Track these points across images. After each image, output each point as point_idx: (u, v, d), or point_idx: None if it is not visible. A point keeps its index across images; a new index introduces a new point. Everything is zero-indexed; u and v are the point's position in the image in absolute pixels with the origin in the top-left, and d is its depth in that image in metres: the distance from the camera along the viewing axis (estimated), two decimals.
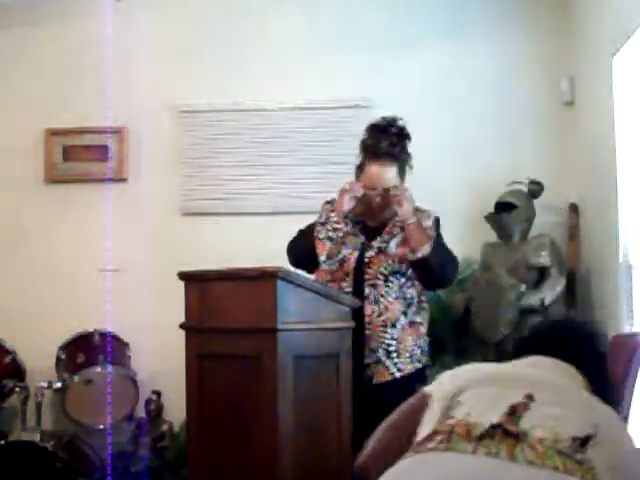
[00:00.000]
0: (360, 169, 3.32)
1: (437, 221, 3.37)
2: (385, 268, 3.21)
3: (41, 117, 5.06)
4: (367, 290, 3.20)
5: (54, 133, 5.06)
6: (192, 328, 2.90)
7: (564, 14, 4.78)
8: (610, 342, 3.42)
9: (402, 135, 3.28)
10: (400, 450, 1.58)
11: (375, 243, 3.26)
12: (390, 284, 3.22)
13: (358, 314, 3.09)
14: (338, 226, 3.32)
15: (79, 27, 5.09)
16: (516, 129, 4.82)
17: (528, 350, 1.83)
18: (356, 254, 3.25)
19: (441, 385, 1.71)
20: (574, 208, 4.60)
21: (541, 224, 4.54)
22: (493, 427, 1.43)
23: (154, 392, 4.70)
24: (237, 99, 4.97)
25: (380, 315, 3.19)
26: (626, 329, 3.79)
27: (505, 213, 4.48)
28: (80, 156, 5.06)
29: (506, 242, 4.51)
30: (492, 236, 4.57)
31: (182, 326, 2.93)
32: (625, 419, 2.91)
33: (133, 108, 4.98)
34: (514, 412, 1.47)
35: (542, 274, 4.39)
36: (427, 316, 3.40)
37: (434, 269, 3.20)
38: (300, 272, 3.11)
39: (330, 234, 3.32)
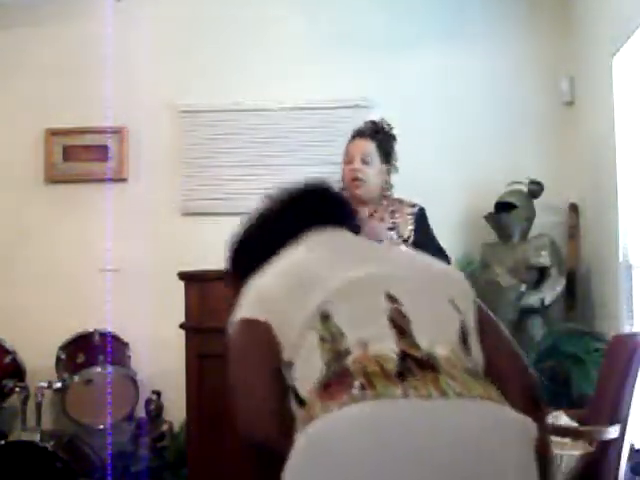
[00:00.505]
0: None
1: (423, 213, 3.35)
2: None
3: (41, 117, 5.06)
4: None
5: (54, 133, 5.06)
6: (192, 328, 2.90)
7: (564, 14, 4.78)
8: (610, 342, 3.43)
9: (384, 130, 3.33)
10: (283, 401, 1.40)
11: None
12: None
13: None
14: None
15: (79, 27, 5.09)
16: (516, 129, 4.82)
17: (288, 232, 1.70)
18: None
19: (274, 308, 1.46)
20: (574, 208, 4.60)
21: (541, 224, 4.54)
22: (402, 359, 1.34)
23: (154, 392, 4.69)
24: (237, 99, 4.97)
25: None
26: (626, 329, 3.79)
27: (505, 213, 4.48)
28: (80, 156, 5.06)
29: (506, 242, 4.51)
30: (492, 236, 4.57)
31: (182, 326, 2.93)
32: (625, 419, 2.92)
33: (133, 108, 4.98)
34: (400, 329, 1.39)
35: (542, 274, 4.39)
36: None
37: None
38: None
39: None
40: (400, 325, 1.40)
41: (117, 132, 4.99)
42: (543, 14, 4.86)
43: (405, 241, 3.25)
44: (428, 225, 3.31)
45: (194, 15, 5.08)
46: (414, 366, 1.34)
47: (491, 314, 1.60)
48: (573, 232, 4.57)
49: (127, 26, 4.94)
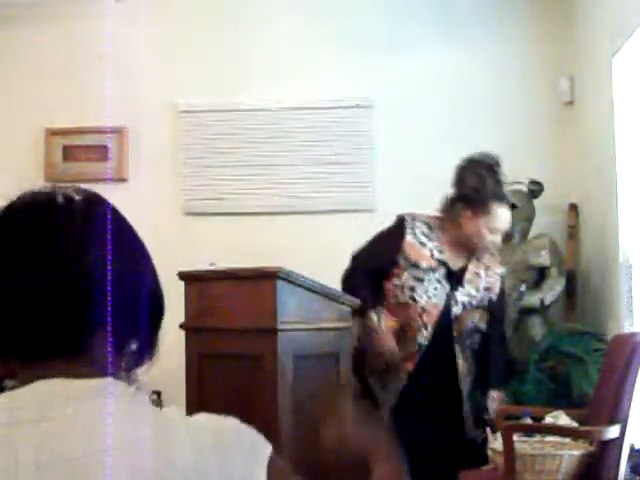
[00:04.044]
0: (460, 206, 3.28)
1: (503, 288, 3.44)
2: (468, 326, 3.23)
3: (41, 117, 5.06)
4: (456, 346, 3.19)
5: (54, 133, 5.06)
6: (192, 328, 2.90)
7: (564, 14, 4.77)
8: (610, 342, 3.43)
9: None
10: None
11: (459, 296, 3.27)
12: (468, 341, 3.23)
13: (451, 369, 3.12)
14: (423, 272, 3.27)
15: (79, 27, 5.09)
16: (516, 129, 4.81)
17: None
18: (441, 305, 3.22)
19: None
20: (574, 208, 4.60)
21: (541, 224, 4.54)
22: None
23: (154, 392, 4.69)
24: (237, 99, 4.97)
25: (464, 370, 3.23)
26: (626, 329, 3.79)
27: None
28: (80, 156, 5.06)
29: (506, 242, 4.50)
30: None
31: (182, 326, 2.93)
32: (625, 419, 2.92)
33: (133, 108, 4.98)
34: None
35: (542, 274, 4.39)
36: None
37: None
38: (301, 273, 3.09)
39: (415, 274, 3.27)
40: None
41: (117, 132, 4.99)
42: (543, 14, 4.86)
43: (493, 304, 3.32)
44: (505, 297, 3.40)
45: (194, 15, 5.08)
46: None
47: None
48: (573, 232, 4.57)
49: (127, 26, 4.94)
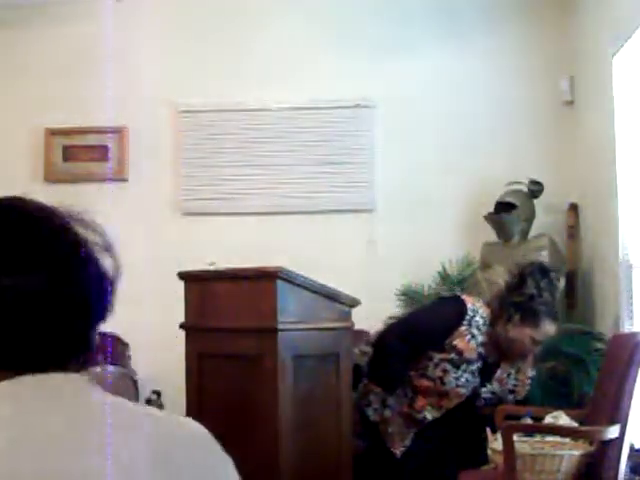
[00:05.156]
0: (512, 310, 3.25)
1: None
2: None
3: (41, 117, 5.06)
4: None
5: (54, 133, 5.06)
6: (192, 328, 2.90)
7: (564, 14, 4.78)
8: (610, 342, 3.43)
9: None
10: None
11: (484, 392, 3.31)
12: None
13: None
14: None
15: (79, 27, 5.09)
16: (516, 129, 4.82)
17: None
18: (464, 397, 3.26)
19: None
20: (574, 208, 4.60)
21: (541, 224, 4.54)
22: None
23: (154, 392, 4.69)
24: (237, 99, 4.97)
25: None
26: (626, 329, 3.79)
27: (505, 213, 4.48)
28: (80, 156, 5.06)
29: (506, 242, 4.51)
30: (492, 236, 4.57)
31: (182, 326, 2.93)
32: (625, 419, 2.92)
33: (133, 108, 4.98)
34: None
35: None
36: None
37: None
38: (301, 273, 3.09)
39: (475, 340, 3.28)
40: None
41: (117, 132, 4.99)
42: (543, 14, 4.86)
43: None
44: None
45: (194, 15, 5.08)
46: None
47: None
48: (573, 232, 4.57)
49: (127, 26, 4.94)
